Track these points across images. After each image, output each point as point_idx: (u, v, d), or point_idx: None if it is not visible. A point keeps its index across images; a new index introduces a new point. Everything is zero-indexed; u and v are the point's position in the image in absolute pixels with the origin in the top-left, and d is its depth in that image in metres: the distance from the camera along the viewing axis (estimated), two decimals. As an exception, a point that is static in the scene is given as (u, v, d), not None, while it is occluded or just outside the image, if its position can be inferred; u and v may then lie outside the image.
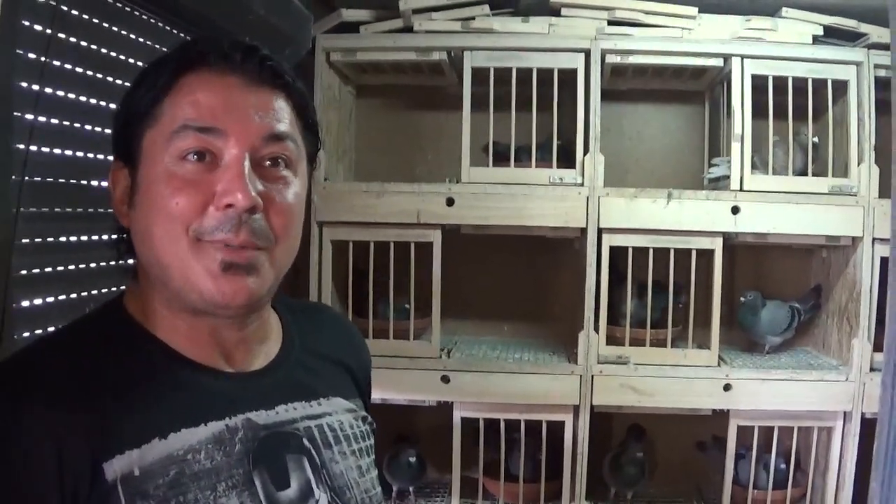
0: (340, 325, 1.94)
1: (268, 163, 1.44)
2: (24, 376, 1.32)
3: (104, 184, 2.01)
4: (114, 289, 2.31)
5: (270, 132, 1.42)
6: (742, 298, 3.60)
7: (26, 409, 1.28)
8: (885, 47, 3.34)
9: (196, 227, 1.36)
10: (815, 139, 3.45)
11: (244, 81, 1.42)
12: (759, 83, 3.40)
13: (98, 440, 1.29)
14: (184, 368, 1.45)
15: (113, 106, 2.22)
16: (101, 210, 2.25)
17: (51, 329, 2.02)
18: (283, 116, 1.46)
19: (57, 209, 2.14)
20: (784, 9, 3.41)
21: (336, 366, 1.76)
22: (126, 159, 1.45)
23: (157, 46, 2.57)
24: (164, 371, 1.43)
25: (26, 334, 1.95)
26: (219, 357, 1.50)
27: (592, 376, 3.41)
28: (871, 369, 3.34)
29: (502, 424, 3.50)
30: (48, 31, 2.00)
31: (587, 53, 3.42)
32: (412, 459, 3.60)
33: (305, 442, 1.53)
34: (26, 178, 1.82)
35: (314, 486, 1.50)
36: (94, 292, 2.25)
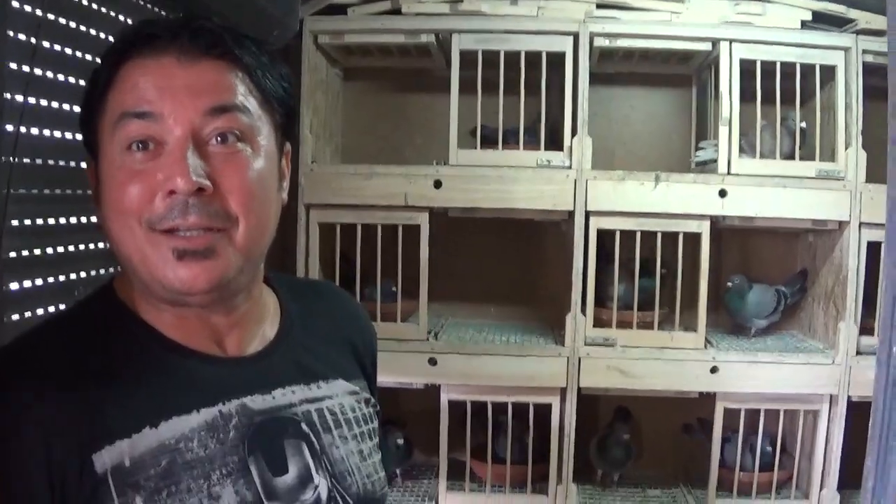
0: (345, 304, 1.90)
1: (217, 139, 1.38)
2: (12, 369, 1.32)
3: None
4: (103, 271, 2.31)
5: (211, 106, 1.37)
6: (728, 282, 3.61)
7: (14, 403, 1.28)
8: (873, 33, 3.35)
9: (147, 218, 1.33)
10: (803, 124, 3.45)
11: (178, 58, 1.37)
12: (747, 67, 3.41)
13: (87, 432, 1.28)
14: (174, 354, 1.43)
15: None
16: (91, 192, 2.25)
17: (44, 315, 2.04)
18: (226, 87, 1.40)
19: (47, 191, 2.13)
20: (773, -7, 3.41)
21: (339, 346, 1.72)
22: (91, 152, 1.44)
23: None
24: (155, 358, 1.42)
25: (16, 317, 1.95)
26: (211, 342, 1.48)
27: (579, 358, 3.42)
28: (858, 353, 3.36)
29: (489, 407, 3.51)
30: (38, 12, 1.99)
31: (576, 37, 3.42)
32: (399, 442, 3.60)
33: (304, 427, 1.51)
34: (16, 159, 1.81)
35: (313, 471, 1.48)
36: (84, 275, 2.25)
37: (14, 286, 1.97)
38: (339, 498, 1.51)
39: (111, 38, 2.30)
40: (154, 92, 1.34)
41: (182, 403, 1.37)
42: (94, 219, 2.18)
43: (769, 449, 3.53)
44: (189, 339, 1.45)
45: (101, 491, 1.27)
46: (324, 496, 1.48)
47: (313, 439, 1.50)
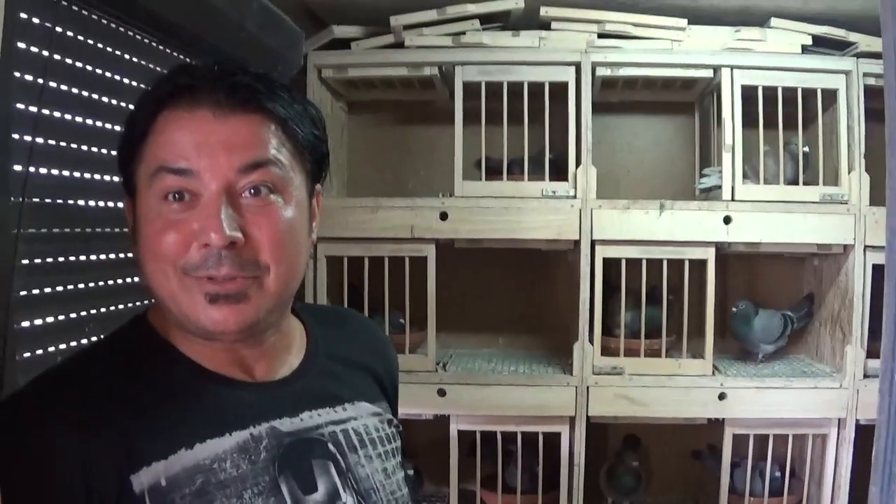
0: (367, 331, 1.95)
1: (250, 192, 1.43)
2: (48, 399, 1.36)
3: (101, 204, 2.05)
4: (112, 308, 2.33)
5: (245, 163, 1.41)
6: (735, 308, 3.61)
7: (49, 432, 1.30)
8: (873, 56, 3.36)
9: (182, 264, 1.39)
10: (806, 148, 3.46)
11: (213, 113, 1.40)
12: (748, 93, 3.42)
13: (123, 456, 1.32)
14: (207, 381, 1.48)
15: (109, 126, 2.25)
16: (100, 230, 2.27)
17: (57, 351, 2.07)
18: (260, 142, 1.44)
19: (56, 230, 2.15)
20: (773, 19, 3.42)
21: (361, 371, 1.77)
22: (129, 193, 1.48)
23: (153, 66, 2.58)
24: (188, 385, 1.47)
25: (27, 354, 1.96)
26: (240, 370, 1.53)
27: (588, 387, 3.42)
28: (865, 376, 3.35)
29: (499, 437, 3.51)
30: (45, 52, 2.01)
31: (577, 66, 3.43)
32: (409, 472, 3.60)
33: (331, 447, 1.55)
34: (25, 199, 1.83)
35: (340, 489, 1.52)
36: (94, 312, 2.26)
37: (25, 324, 1.99)
38: None
39: (118, 78, 2.34)
40: (190, 148, 1.38)
41: (215, 428, 1.42)
42: (103, 256, 2.21)
43: (778, 474, 3.52)
44: (220, 367, 1.50)
45: None
46: None
47: (339, 459, 1.55)
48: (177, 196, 1.39)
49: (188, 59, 2.77)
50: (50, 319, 2.10)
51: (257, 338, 1.52)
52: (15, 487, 1.25)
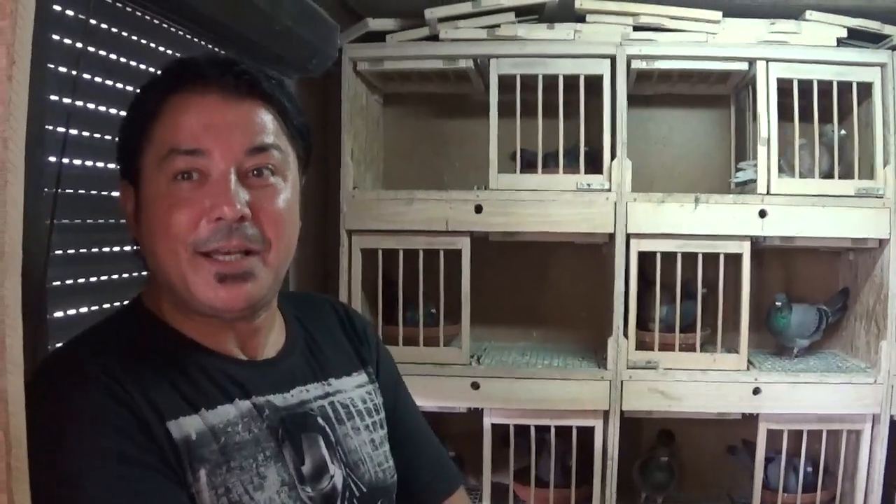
0: (333, 305, 2.01)
1: (254, 173, 1.52)
2: (83, 356, 1.43)
3: None
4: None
5: (252, 145, 1.51)
6: (776, 302, 3.58)
7: (93, 378, 1.37)
8: (909, 48, 3.35)
9: (192, 240, 1.46)
10: (843, 132, 3.45)
11: (223, 98, 1.50)
12: (784, 86, 3.40)
13: (157, 407, 1.40)
14: (208, 356, 1.56)
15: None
16: (126, 215, 2.28)
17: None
18: (264, 127, 1.54)
19: (89, 220, 2.16)
20: (808, 11, 3.40)
21: (337, 346, 1.87)
22: (130, 179, 1.55)
23: (187, 58, 2.59)
24: (191, 359, 1.53)
25: (59, 344, 1.97)
26: (235, 346, 1.62)
27: (622, 381, 3.42)
28: (901, 371, 3.33)
29: (532, 430, 3.51)
30: (78, 45, 2.02)
31: (613, 59, 3.43)
32: (451, 453, 3.64)
33: (320, 420, 1.66)
34: (59, 190, 1.84)
35: (328, 462, 1.62)
36: (126, 302, 2.27)
37: (59, 314, 2.00)
38: (353, 486, 1.66)
39: (150, 69, 2.35)
40: (201, 129, 1.47)
41: (223, 395, 1.52)
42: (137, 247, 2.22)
43: (811, 470, 3.51)
44: (217, 344, 1.59)
45: (180, 457, 1.39)
46: (339, 484, 1.62)
47: (329, 432, 1.66)
48: (185, 176, 1.47)
49: (221, 52, 2.78)
50: (83, 310, 2.12)
51: (254, 315, 1.61)
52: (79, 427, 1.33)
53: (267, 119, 1.55)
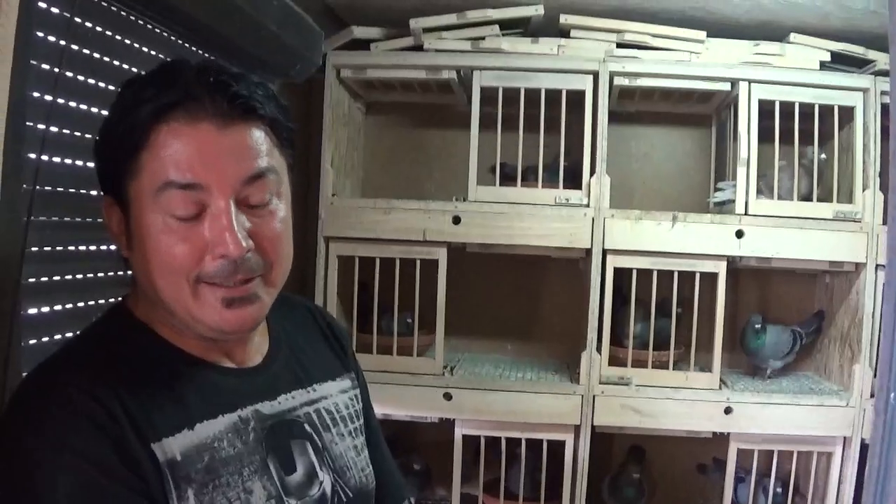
0: (306, 310, 2.00)
1: (254, 199, 1.48)
2: (63, 375, 1.39)
3: None
4: (120, 298, 2.33)
5: (249, 174, 1.46)
6: (755, 325, 3.58)
7: (76, 398, 1.34)
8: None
9: (196, 274, 1.44)
10: (823, 156, 3.47)
11: (215, 126, 1.43)
12: (765, 108, 3.41)
13: (141, 428, 1.38)
14: (195, 367, 1.54)
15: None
16: (113, 234, 2.27)
17: (62, 339, 2.07)
18: (258, 151, 1.49)
19: (67, 219, 2.16)
20: (792, 34, 3.42)
21: (318, 350, 1.89)
22: (114, 196, 1.50)
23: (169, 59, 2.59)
24: (178, 370, 1.52)
25: (33, 341, 1.97)
26: (222, 355, 1.61)
27: (594, 396, 3.42)
28: (872, 395, 3.32)
29: (503, 443, 3.51)
30: (62, 42, 2.02)
31: (595, 75, 3.43)
32: (417, 467, 3.64)
33: (307, 427, 1.67)
34: (37, 187, 1.84)
35: (318, 468, 1.64)
36: (102, 301, 2.27)
37: (32, 311, 2.00)
38: (340, 492, 1.68)
39: (134, 69, 2.34)
40: (197, 162, 1.41)
41: (208, 409, 1.50)
42: (113, 247, 2.22)
43: (780, 490, 3.52)
44: (204, 354, 1.57)
45: (164, 480, 1.38)
46: (328, 491, 1.64)
47: (315, 438, 1.68)
48: (184, 210, 1.42)
49: (206, 55, 2.78)
50: (58, 307, 2.11)
51: (253, 330, 1.62)
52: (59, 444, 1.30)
53: (259, 138, 1.49)
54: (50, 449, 1.29)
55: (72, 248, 2.18)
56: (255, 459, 1.52)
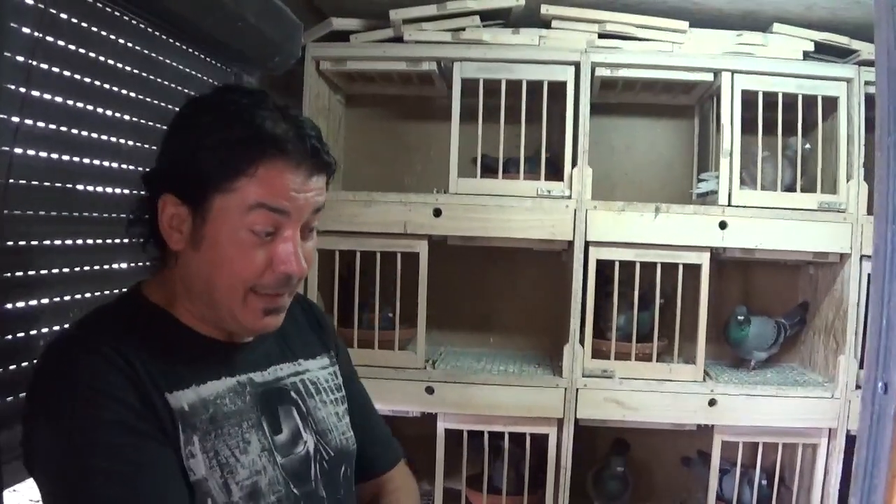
0: (298, 300, 2.18)
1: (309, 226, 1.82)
2: (84, 336, 1.66)
3: (90, 188, 2.11)
4: (97, 294, 2.31)
5: (316, 207, 1.78)
6: (739, 316, 3.58)
7: (94, 355, 1.58)
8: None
9: (254, 283, 1.74)
10: (807, 146, 3.45)
11: (308, 174, 1.73)
12: (749, 98, 3.40)
13: (157, 380, 1.64)
14: (199, 339, 1.81)
15: (100, 110, 2.24)
16: (86, 214, 2.25)
17: (44, 334, 2.12)
18: (323, 191, 1.80)
19: (42, 212, 2.12)
20: (775, 24, 3.41)
21: (301, 332, 2.14)
22: (185, 198, 1.72)
23: (148, 52, 2.56)
24: (186, 341, 1.78)
25: (9, 337, 1.95)
26: (223, 335, 1.86)
27: (577, 389, 3.41)
28: (857, 386, 3.32)
29: (486, 436, 3.49)
30: (35, 33, 1.98)
31: (577, 66, 3.42)
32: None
33: (293, 394, 1.96)
34: (10, 180, 1.82)
35: (302, 430, 1.92)
36: (79, 297, 2.25)
37: (8, 306, 1.97)
38: (322, 451, 1.96)
39: (110, 61, 2.31)
40: (290, 195, 1.71)
41: (212, 372, 1.78)
42: (90, 241, 2.24)
43: (765, 482, 3.51)
44: (209, 331, 1.83)
45: (175, 426, 1.64)
46: (311, 449, 1.93)
47: (301, 404, 1.96)
48: (264, 227, 1.71)
49: (185, 47, 2.75)
50: (33, 302, 2.08)
51: None
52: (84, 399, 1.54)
53: (324, 182, 1.80)
54: (88, 388, 1.54)
55: (47, 242, 2.15)
56: (252, 417, 1.80)
